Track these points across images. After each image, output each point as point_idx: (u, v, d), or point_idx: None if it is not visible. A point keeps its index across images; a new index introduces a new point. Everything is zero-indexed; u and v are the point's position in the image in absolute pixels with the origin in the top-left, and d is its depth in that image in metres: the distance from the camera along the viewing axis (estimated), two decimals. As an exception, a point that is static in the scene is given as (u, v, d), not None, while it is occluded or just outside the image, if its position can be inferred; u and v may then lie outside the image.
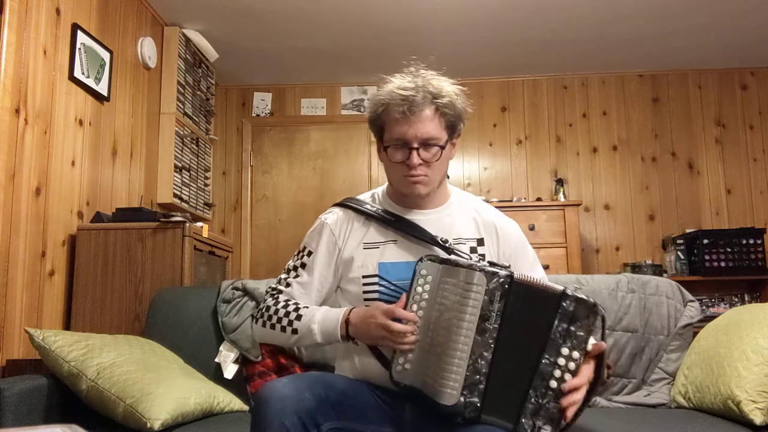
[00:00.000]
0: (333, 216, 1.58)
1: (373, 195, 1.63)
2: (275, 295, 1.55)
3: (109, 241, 2.71)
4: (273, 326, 1.49)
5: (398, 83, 1.47)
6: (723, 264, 4.10)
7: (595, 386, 1.32)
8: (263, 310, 1.53)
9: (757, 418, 1.60)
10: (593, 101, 4.76)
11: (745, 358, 1.69)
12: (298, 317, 1.46)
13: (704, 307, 4.07)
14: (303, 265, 1.55)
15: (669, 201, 4.62)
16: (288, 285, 1.55)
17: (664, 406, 1.99)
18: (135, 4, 3.45)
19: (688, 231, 4.35)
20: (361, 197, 1.63)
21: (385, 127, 1.49)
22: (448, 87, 1.48)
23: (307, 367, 2.12)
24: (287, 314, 1.48)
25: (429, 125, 1.44)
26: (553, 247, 4.04)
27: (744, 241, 4.11)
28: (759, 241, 4.12)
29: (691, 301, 2.19)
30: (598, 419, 1.71)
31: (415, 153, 1.43)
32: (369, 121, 1.54)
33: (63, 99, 2.73)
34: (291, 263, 1.58)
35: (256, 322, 1.54)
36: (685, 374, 1.96)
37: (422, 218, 1.53)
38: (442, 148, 1.46)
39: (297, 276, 1.55)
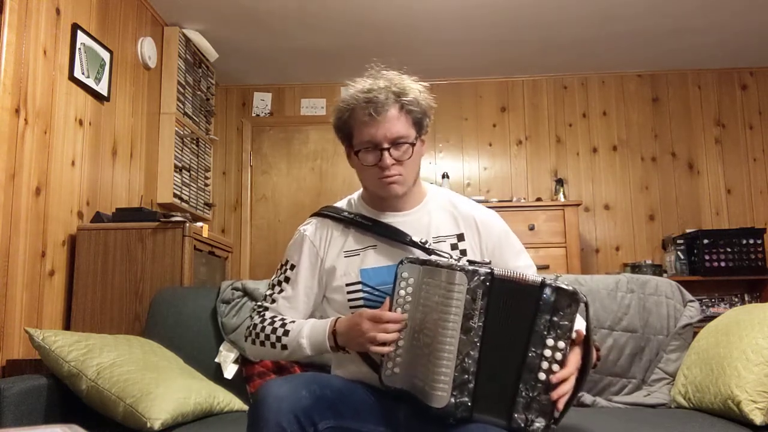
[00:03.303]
0: (311, 227, 1.57)
1: (349, 201, 1.63)
2: (262, 313, 1.55)
3: (109, 241, 2.71)
4: (263, 343, 1.49)
5: (360, 86, 1.48)
6: (723, 264, 4.10)
7: (585, 373, 1.31)
8: (251, 329, 1.53)
9: (757, 418, 1.60)
10: (593, 101, 4.76)
11: (745, 358, 1.69)
12: (286, 333, 1.46)
13: (704, 307, 4.07)
14: (287, 279, 1.55)
15: (669, 201, 4.62)
16: (273, 301, 1.55)
17: (664, 406, 1.99)
18: (135, 4, 3.45)
19: (688, 231, 4.35)
20: (337, 204, 1.63)
21: (353, 131, 1.48)
22: (410, 84, 1.48)
23: (306, 367, 2.12)
24: (274, 330, 1.48)
25: (396, 124, 1.44)
26: (552, 247, 4.04)
27: (744, 241, 4.11)
28: (759, 241, 4.12)
29: (691, 301, 2.19)
30: (598, 419, 1.71)
31: (386, 153, 1.43)
32: (335, 128, 1.53)
33: (63, 99, 2.73)
34: (275, 278, 1.58)
35: (246, 340, 1.55)
36: (684, 374, 1.96)
37: (400, 220, 1.53)
38: (413, 145, 1.47)
39: (282, 291, 1.55)
